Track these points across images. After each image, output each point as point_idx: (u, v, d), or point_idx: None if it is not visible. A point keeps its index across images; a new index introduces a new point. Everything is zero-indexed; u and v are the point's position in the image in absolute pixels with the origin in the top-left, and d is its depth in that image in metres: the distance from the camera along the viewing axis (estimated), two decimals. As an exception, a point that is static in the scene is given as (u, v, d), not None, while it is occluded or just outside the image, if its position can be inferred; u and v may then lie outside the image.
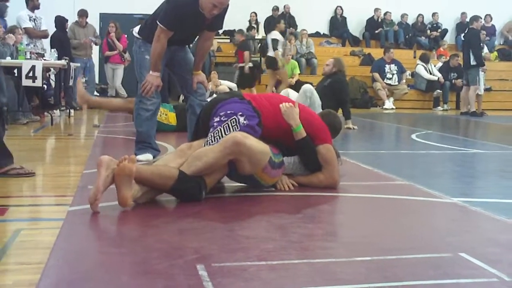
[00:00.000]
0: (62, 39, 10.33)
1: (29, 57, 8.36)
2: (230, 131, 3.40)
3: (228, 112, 3.49)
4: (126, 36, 11.79)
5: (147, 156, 4.52)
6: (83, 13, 11.27)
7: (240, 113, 3.48)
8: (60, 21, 10.52)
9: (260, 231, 2.75)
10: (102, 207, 3.03)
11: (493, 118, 11.68)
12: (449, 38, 16.94)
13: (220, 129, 3.43)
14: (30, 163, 4.96)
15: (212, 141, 3.40)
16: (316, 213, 3.22)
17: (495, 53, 14.93)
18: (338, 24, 16.20)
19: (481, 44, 12.49)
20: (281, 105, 3.65)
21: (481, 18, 12.55)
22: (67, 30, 10.59)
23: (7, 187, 3.88)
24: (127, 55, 11.85)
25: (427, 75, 13.91)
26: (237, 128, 3.42)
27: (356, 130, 8.12)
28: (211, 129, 3.48)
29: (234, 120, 3.45)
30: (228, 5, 4.17)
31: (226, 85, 9.33)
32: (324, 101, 7.69)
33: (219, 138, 3.38)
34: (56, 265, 2.18)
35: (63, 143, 6.59)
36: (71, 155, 5.64)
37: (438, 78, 13.84)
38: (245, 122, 3.46)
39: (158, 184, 3.12)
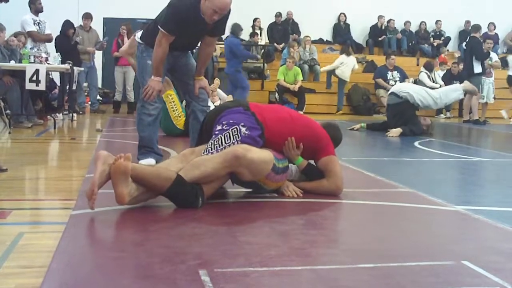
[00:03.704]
0: (63, 43, 10.34)
1: (33, 61, 8.37)
2: (230, 140, 3.41)
3: (231, 121, 3.49)
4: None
5: (150, 161, 4.52)
6: (87, 16, 11.27)
7: (242, 123, 3.48)
8: (64, 26, 10.54)
9: (263, 237, 2.75)
10: (104, 211, 3.03)
11: (495, 127, 11.67)
12: (452, 46, 16.96)
13: (221, 137, 3.43)
14: (32, 166, 4.98)
15: (211, 149, 3.40)
16: (319, 220, 3.22)
17: (498, 61, 14.89)
18: (341, 31, 16.21)
19: (490, 52, 12.48)
20: (286, 142, 3.60)
21: (481, 27, 12.55)
22: (68, 35, 10.57)
23: (10, 190, 3.88)
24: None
25: (429, 83, 13.90)
26: (238, 137, 3.42)
27: (358, 136, 8.14)
28: (212, 137, 3.48)
29: (235, 129, 3.45)
30: (229, 11, 4.18)
31: (219, 96, 9.27)
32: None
33: (219, 147, 3.38)
34: (59, 269, 2.18)
35: (65, 147, 6.60)
36: (73, 159, 5.64)
37: (440, 86, 13.83)
38: (246, 132, 3.45)
39: (154, 185, 3.10)
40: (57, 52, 9.70)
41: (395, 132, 8.44)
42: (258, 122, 3.53)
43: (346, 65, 13.46)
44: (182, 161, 3.39)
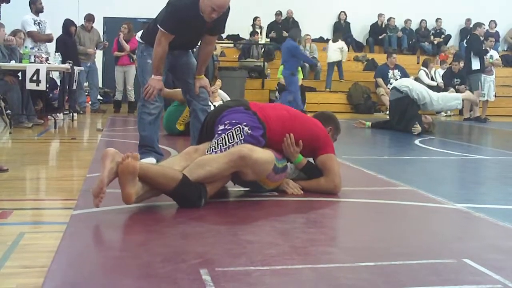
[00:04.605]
0: (67, 42, 10.34)
1: (33, 60, 8.37)
2: (234, 139, 3.41)
3: (233, 121, 3.49)
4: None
5: (150, 160, 4.52)
6: (90, 18, 11.26)
7: (245, 123, 3.48)
8: (66, 25, 10.53)
9: (264, 236, 2.74)
10: (106, 211, 3.03)
11: (496, 124, 11.67)
12: (452, 44, 16.94)
13: (224, 137, 3.43)
14: (33, 166, 4.98)
15: (215, 148, 3.41)
16: (319, 218, 3.22)
17: (499, 59, 14.91)
18: (341, 29, 16.19)
19: (488, 49, 12.46)
20: (285, 139, 3.62)
21: (484, 24, 12.55)
22: (72, 32, 10.57)
23: (10, 190, 3.89)
24: (135, 56, 11.76)
25: (427, 81, 13.90)
26: (241, 136, 3.43)
27: (359, 134, 8.16)
28: (215, 136, 3.49)
29: (238, 128, 3.45)
30: (228, 9, 4.18)
31: (221, 96, 9.33)
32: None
33: (223, 146, 3.39)
34: (60, 269, 2.19)
35: (66, 146, 6.60)
36: (74, 158, 5.65)
37: (438, 83, 13.81)
38: (249, 132, 3.46)
39: (161, 184, 3.11)
40: (57, 51, 9.68)
41: (419, 129, 8.46)
42: (260, 121, 3.54)
43: (333, 50, 14.13)
44: (186, 160, 3.39)
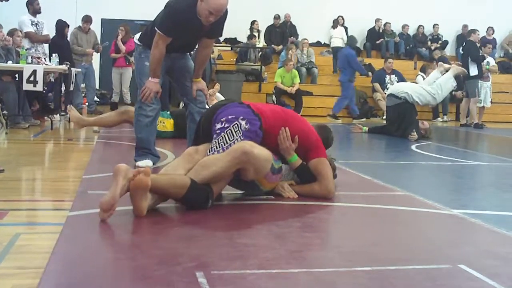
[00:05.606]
0: (60, 44, 10.30)
1: (30, 61, 8.36)
2: (234, 136, 3.43)
3: (230, 117, 3.51)
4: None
5: (147, 162, 4.52)
6: (87, 19, 11.25)
7: (241, 117, 3.50)
8: (59, 26, 10.50)
9: (260, 240, 2.75)
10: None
11: (492, 130, 11.69)
12: (449, 50, 16.98)
13: (224, 136, 3.45)
14: (29, 167, 4.97)
15: (217, 147, 3.42)
16: (316, 223, 3.22)
17: (496, 65, 14.97)
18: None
19: (485, 55, 12.49)
20: (280, 132, 3.65)
21: (478, 31, 12.59)
22: (66, 34, 10.55)
23: (6, 191, 3.88)
24: (132, 59, 11.77)
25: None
26: (240, 133, 3.45)
27: (356, 139, 8.16)
28: (214, 136, 3.49)
29: (236, 125, 3.47)
30: (226, 13, 4.18)
31: (218, 100, 9.40)
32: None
33: (224, 145, 3.41)
34: (55, 270, 2.18)
35: (62, 147, 6.59)
36: (70, 160, 5.64)
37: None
38: (246, 126, 3.48)
39: (171, 193, 3.15)
40: (51, 53, 9.65)
41: (415, 137, 8.44)
42: (255, 113, 3.56)
43: (334, 37, 15.18)
44: (189, 162, 3.39)
